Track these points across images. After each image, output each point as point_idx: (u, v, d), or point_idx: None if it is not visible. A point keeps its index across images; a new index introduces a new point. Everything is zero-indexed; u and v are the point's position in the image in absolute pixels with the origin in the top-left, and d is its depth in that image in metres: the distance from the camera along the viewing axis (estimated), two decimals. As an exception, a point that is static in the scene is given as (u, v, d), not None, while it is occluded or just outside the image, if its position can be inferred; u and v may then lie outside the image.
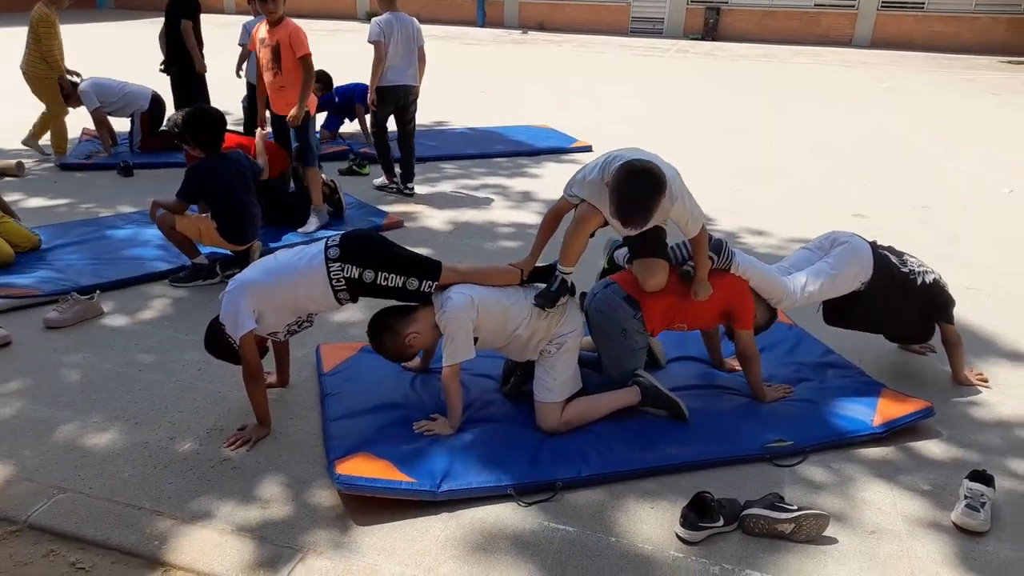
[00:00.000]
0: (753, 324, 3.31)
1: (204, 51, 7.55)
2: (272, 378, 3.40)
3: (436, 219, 5.91)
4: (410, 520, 2.63)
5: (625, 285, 3.23)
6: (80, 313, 4.03)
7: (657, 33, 21.69)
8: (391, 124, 6.36)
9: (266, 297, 2.96)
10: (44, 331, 3.93)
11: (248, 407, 3.08)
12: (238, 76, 7.57)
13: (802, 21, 20.64)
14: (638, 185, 2.79)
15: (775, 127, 9.72)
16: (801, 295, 3.43)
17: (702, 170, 7.31)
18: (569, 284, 3.10)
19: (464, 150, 8.03)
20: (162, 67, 7.61)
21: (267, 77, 5.36)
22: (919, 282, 3.49)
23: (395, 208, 6.09)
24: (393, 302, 3.11)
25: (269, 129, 5.62)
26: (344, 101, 8.00)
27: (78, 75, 7.23)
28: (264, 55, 5.31)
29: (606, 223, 3.06)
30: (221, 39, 10.13)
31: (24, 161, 6.86)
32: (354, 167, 7.10)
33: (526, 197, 6.55)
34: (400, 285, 3.00)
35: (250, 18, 7.32)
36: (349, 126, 8.38)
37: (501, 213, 6.09)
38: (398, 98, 6.16)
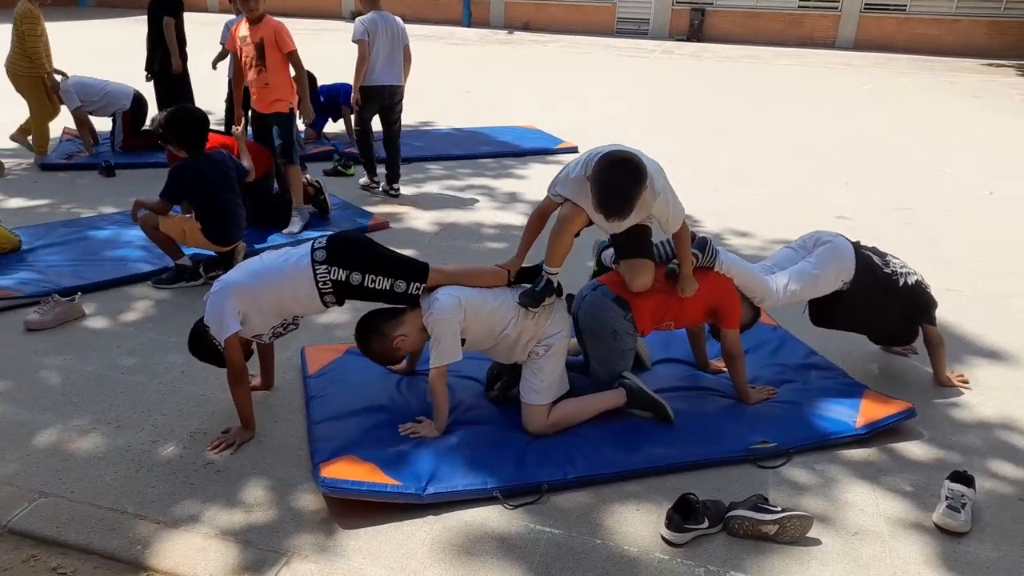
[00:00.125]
0: (739, 323, 3.34)
1: (187, 49, 7.49)
2: (256, 380, 3.38)
3: (422, 220, 5.90)
4: (395, 523, 2.62)
5: (613, 286, 3.24)
6: (61, 315, 3.99)
7: (643, 34, 21.75)
8: (376, 124, 6.34)
9: (251, 299, 2.94)
10: (25, 333, 3.88)
11: (232, 410, 3.06)
12: (213, 68, 7.52)
13: (786, 23, 20.77)
14: (619, 175, 2.79)
15: (759, 128, 9.78)
16: (783, 294, 3.45)
17: (686, 171, 7.34)
18: (555, 284, 3.10)
19: (450, 151, 8.02)
20: (148, 77, 7.51)
21: (250, 75, 5.33)
22: (901, 283, 3.52)
23: (380, 209, 6.07)
24: (380, 305, 3.10)
25: (243, 127, 5.56)
26: (329, 101, 7.97)
27: (63, 74, 7.15)
28: (247, 52, 5.28)
29: (591, 223, 3.06)
30: (205, 37, 10.06)
31: (3, 161, 6.78)
32: (339, 168, 7.07)
33: (512, 198, 6.55)
34: (387, 288, 2.99)
35: (232, 17, 7.28)
36: (334, 126, 8.34)
37: (487, 214, 6.09)
38: (383, 97, 6.14)
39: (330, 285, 2.96)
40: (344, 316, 4.03)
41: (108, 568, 2.42)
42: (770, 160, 8.16)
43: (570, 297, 3.35)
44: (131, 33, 16.48)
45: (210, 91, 8.40)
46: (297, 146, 5.53)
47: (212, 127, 4.71)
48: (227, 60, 7.00)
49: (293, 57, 5.29)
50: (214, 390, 3.36)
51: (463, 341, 2.99)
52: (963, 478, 2.77)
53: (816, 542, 2.60)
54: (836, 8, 20.36)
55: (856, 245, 3.57)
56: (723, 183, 7.17)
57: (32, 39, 6.67)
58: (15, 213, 5.65)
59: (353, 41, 5.95)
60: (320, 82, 7.86)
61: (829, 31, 20.49)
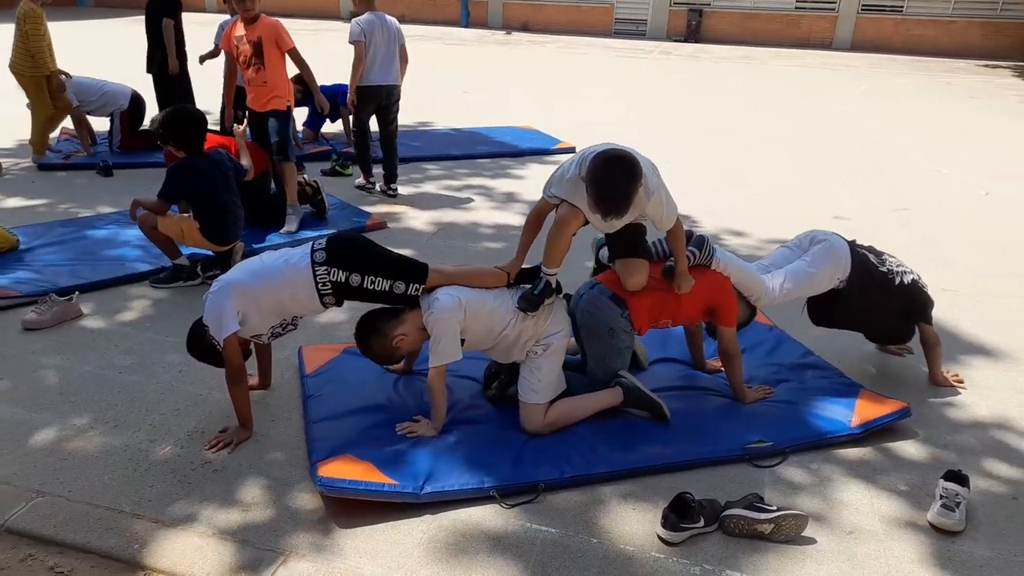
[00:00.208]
0: (736, 321, 3.35)
1: (186, 49, 7.48)
2: (254, 380, 3.38)
3: (419, 220, 5.90)
4: (392, 522, 2.63)
5: (610, 285, 3.25)
6: (59, 314, 3.99)
7: (640, 35, 21.76)
8: (373, 124, 6.35)
9: (251, 299, 2.94)
10: (22, 333, 3.89)
11: (229, 409, 3.07)
12: (200, 63, 7.54)
13: (783, 23, 20.80)
14: (614, 173, 2.79)
15: (756, 128, 9.79)
16: (779, 293, 3.47)
17: (684, 171, 7.35)
18: (553, 286, 3.10)
19: (447, 151, 8.02)
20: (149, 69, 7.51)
21: (248, 74, 5.34)
22: (897, 282, 3.53)
23: (378, 209, 6.08)
24: (379, 305, 3.11)
25: (244, 127, 5.58)
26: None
27: (66, 74, 7.13)
28: (244, 52, 5.28)
29: (587, 222, 3.07)
30: (203, 37, 10.04)
31: (1, 161, 6.78)
32: (337, 167, 7.08)
33: (510, 198, 6.55)
34: (387, 289, 2.99)
35: (227, 17, 7.27)
36: (332, 127, 8.34)
37: (485, 214, 6.09)
38: (379, 98, 6.15)
39: (330, 286, 2.96)
40: (342, 316, 4.03)
41: (105, 567, 2.42)
42: (768, 160, 8.17)
43: (569, 296, 3.36)
44: (129, 33, 16.45)
45: (210, 91, 8.38)
46: (293, 145, 5.54)
47: (210, 127, 4.71)
48: (220, 58, 6.99)
49: (294, 54, 5.34)
50: (212, 389, 3.37)
51: (463, 341, 3.00)
52: (958, 477, 2.79)
53: (811, 541, 2.61)
54: (833, 9, 20.40)
55: (852, 244, 3.59)
56: (720, 183, 7.18)
57: (36, 39, 6.66)
58: (13, 212, 5.66)
59: (350, 42, 5.96)
60: (319, 82, 7.84)
61: (826, 32, 20.51)
